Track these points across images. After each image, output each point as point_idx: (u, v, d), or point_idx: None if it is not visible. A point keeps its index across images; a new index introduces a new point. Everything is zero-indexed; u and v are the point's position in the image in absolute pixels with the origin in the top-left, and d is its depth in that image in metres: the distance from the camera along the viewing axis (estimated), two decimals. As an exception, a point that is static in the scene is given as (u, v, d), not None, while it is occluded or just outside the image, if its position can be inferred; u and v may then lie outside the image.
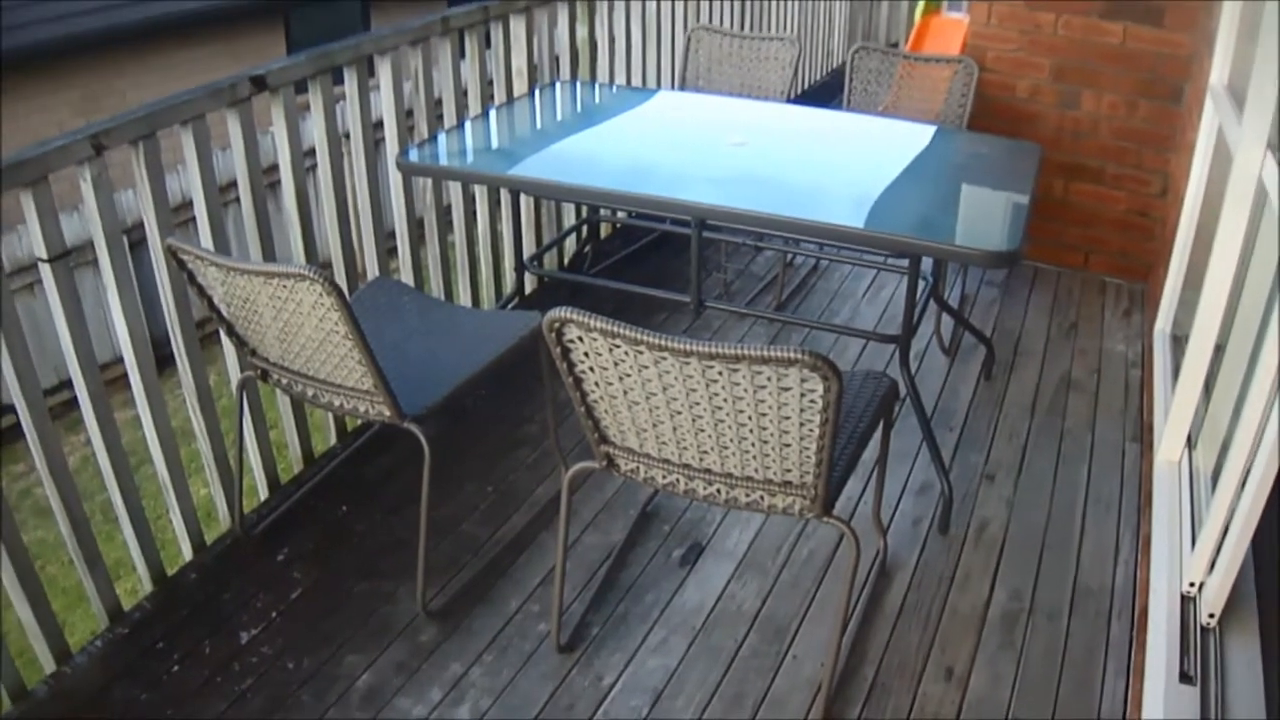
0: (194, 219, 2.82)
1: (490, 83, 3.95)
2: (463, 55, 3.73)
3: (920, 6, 6.70)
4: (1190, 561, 2.43)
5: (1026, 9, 4.39)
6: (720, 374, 2.04)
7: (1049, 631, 2.69)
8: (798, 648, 2.65)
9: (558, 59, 4.27)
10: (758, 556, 2.95)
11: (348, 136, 3.32)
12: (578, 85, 4.23)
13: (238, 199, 2.97)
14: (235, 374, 2.95)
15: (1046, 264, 4.69)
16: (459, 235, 3.92)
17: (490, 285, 4.10)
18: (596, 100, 4.11)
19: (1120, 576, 2.87)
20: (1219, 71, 3.41)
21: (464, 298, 3.97)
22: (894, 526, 3.07)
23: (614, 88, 4.46)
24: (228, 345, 2.85)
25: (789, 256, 4.57)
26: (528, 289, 4.18)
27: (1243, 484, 2.19)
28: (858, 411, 2.53)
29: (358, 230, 3.43)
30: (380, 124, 3.45)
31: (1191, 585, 2.38)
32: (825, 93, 6.56)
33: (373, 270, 3.47)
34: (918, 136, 3.67)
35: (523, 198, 4.09)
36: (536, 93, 4.04)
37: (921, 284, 3.62)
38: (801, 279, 4.58)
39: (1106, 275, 4.63)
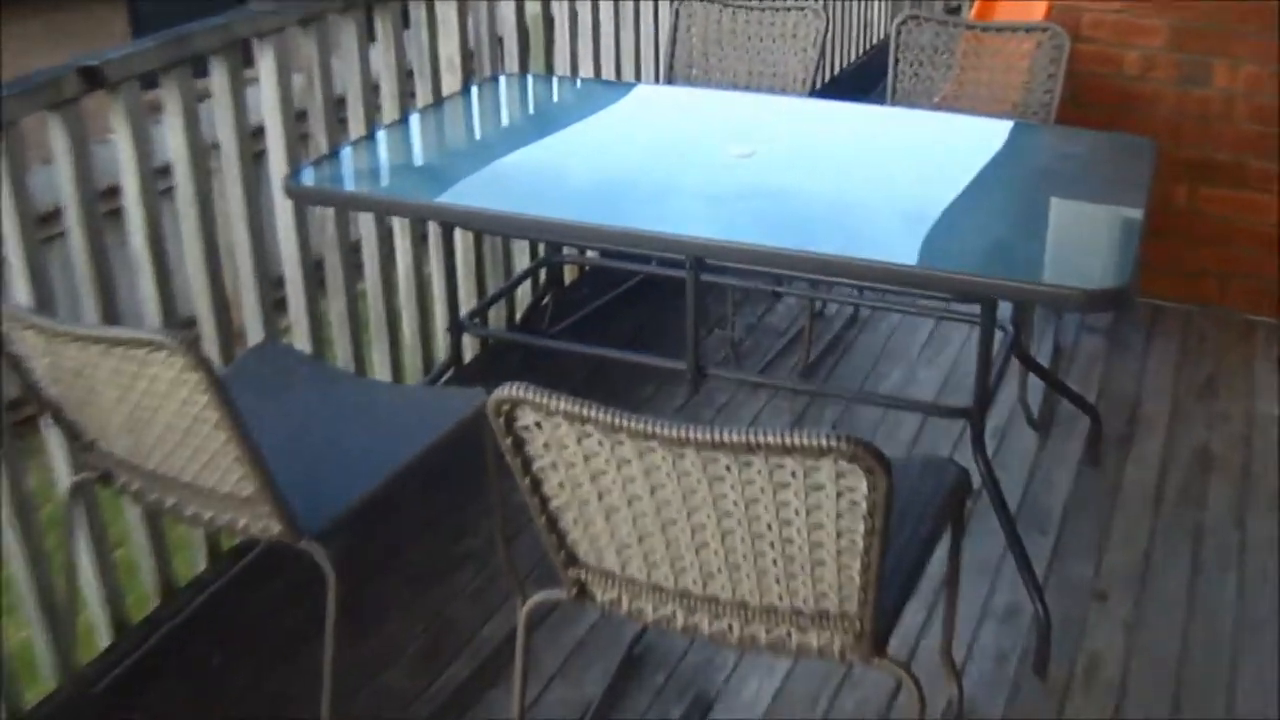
0: (4, 257, 2.81)
1: (411, 76, 4.00)
2: (373, 39, 3.78)
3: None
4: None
5: (1134, -47, 4.47)
6: (728, 469, 2.04)
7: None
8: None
9: (501, 43, 4.33)
10: (785, 713, 2.94)
11: (217, 147, 3.35)
12: (529, 80, 4.29)
13: (64, 233, 2.95)
14: (66, 475, 2.92)
15: (1168, 300, 4.72)
16: (372, 283, 3.93)
17: (416, 351, 4.14)
18: (555, 99, 4.17)
19: (1290, 725, 2.91)
20: None
21: (381, 368, 4.01)
22: (971, 667, 3.06)
23: (578, 82, 4.51)
24: (56, 436, 2.85)
25: (817, 305, 4.60)
26: (466, 355, 4.21)
27: None
28: (916, 513, 2.53)
29: (233, 277, 3.44)
30: (262, 132, 3.49)
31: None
32: (863, 79, 6.66)
33: (255, 332, 3.48)
34: (989, 136, 3.72)
35: (458, 233, 4.13)
36: (474, 90, 4.11)
37: (999, 336, 3.64)
38: (835, 334, 4.62)
39: (1252, 312, 4.64)
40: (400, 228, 4.02)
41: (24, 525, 2.89)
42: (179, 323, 3.21)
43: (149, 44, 3.05)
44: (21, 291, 2.84)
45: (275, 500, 2.51)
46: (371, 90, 3.79)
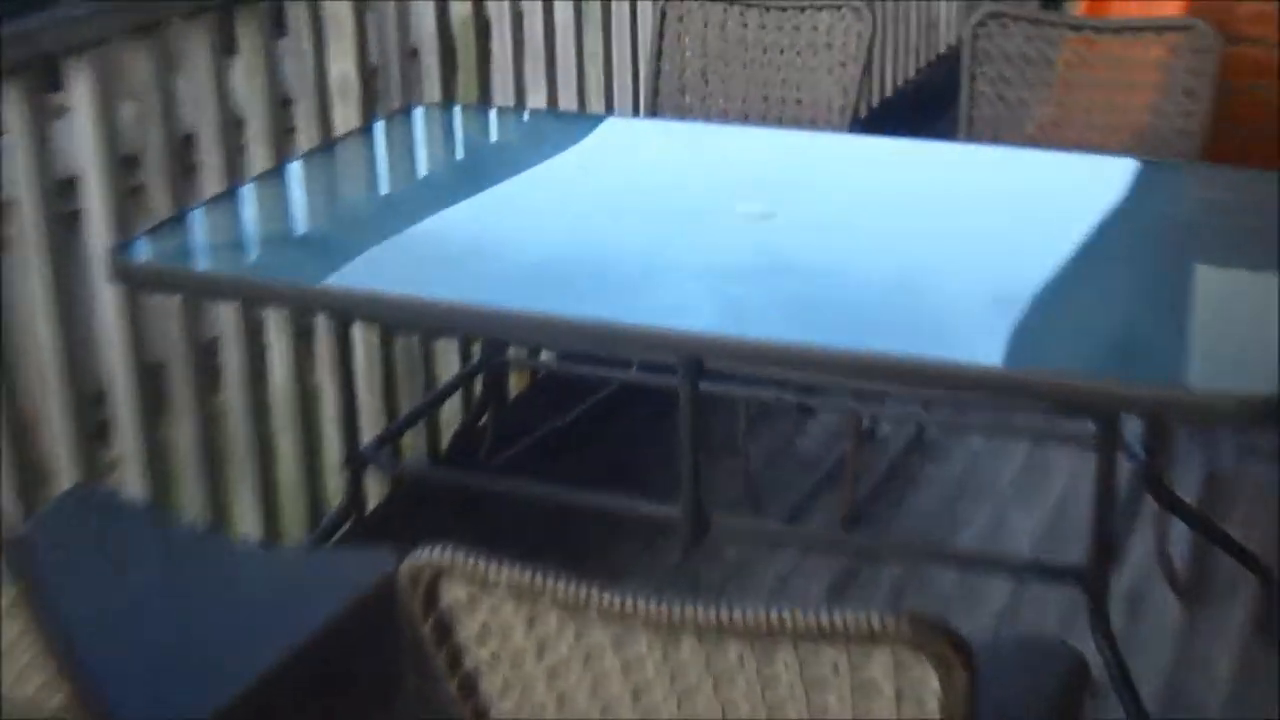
0: None
1: (289, 106, 4.05)
2: (233, 53, 3.81)
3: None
4: None
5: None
6: (742, 662, 2.04)
7: None
8: None
9: (417, 58, 4.37)
10: None
11: (9, 205, 3.38)
12: (456, 112, 4.34)
13: None
14: None
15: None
16: (236, 400, 3.96)
17: (299, 495, 4.20)
18: (493, 139, 4.21)
19: None
20: None
21: (248, 520, 4.04)
22: None
23: (525, 115, 4.56)
24: None
25: (866, 423, 4.66)
26: (371, 500, 4.28)
27: None
28: (1010, 716, 2.53)
29: (35, 388, 3.46)
30: (75, 184, 3.51)
31: None
32: (925, 104, 6.73)
33: (66, 468, 3.49)
34: (1103, 181, 3.79)
35: (359, 329, 4.26)
36: (379, 127, 4.21)
37: (1125, 465, 3.66)
38: (891, 464, 4.69)
39: None
40: (276, 321, 4.06)
41: None
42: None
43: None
44: None
45: (95, 714, 2.50)
46: (233, 126, 3.84)
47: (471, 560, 2.11)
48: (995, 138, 4.25)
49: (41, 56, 3.31)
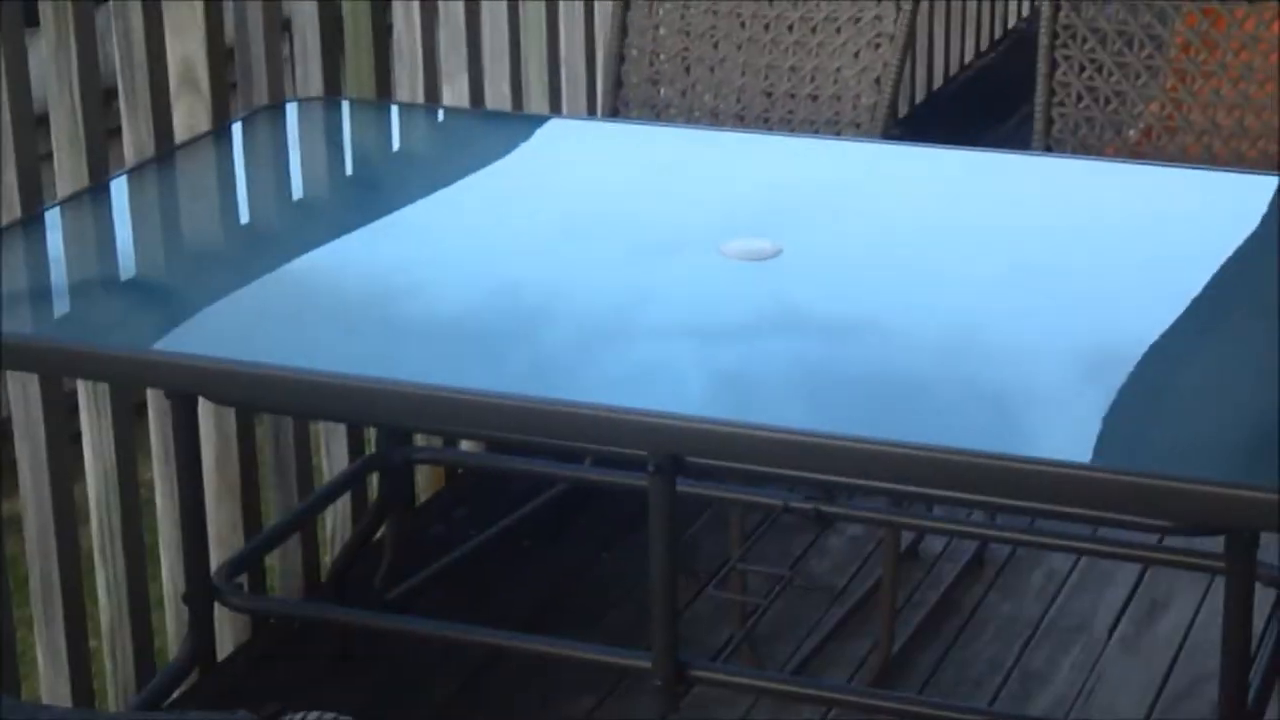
0: None
1: (113, 100, 4.01)
2: (31, 24, 3.74)
3: None
4: None
5: None
6: None
7: None
8: None
9: (290, 38, 4.31)
10: None
11: None
12: (343, 109, 4.27)
13: None
14: None
15: None
16: (32, 507, 3.91)
17: (123, 638, 4.09)
18: (395, 147, 4.14)
19: None
20: None
21: (52, 674, 3.98)
22: None
23: (439, 114, 4.50)
24: None
25: (907, 539, 4.65)
26: (225, 643, 4.22)
27: None
28: None
29: None
30: None
31: None
32: (988, 99, 6.73)
33: None
34: (1238, 206, 3.77)
35: (207, 410, 4.14)
36: (236, 130, 4.09)
37: (1269, 596, 3.59)
38: (943, 592, 4.66)
39: None
40: (90, 398, 3.99)
41: None
42: None
43: None
44: None
45: None
46: (30, 127, 3.78)
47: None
48: (1085, 145, 4.18)
49: None
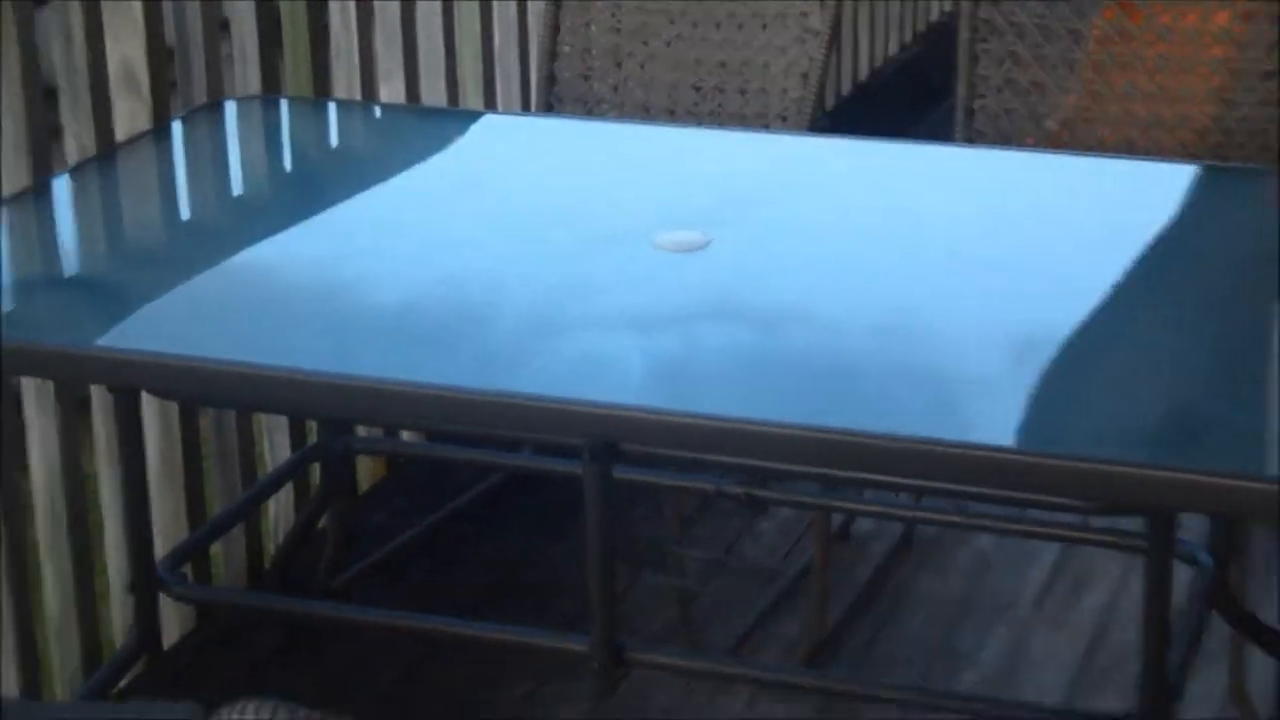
0: None
1: (55, 99, 4.01)
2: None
3: None
4: None
5: None
6: None
7: None
8: None
9: (228, 35, 4.31)
10: None
11: None
12: (281, 107, 4.27)
13: None
14: None
15: None
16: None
17: (69, 629, 4.11)
18: (333, 144, 4.14)
19: None
20: None
21: (3, 668, 3.92)
22: None
23: (376, 111, 4.50)
24: None
25: (837, 521, 4.67)
26: (169, 634, 4.21)
27: None
28: None
29: None
30: None
31: None
32: (911, 93, 6.74)
33: None
34: (1153, 196, 3.78)
35: (150, 405, 4.16)
36: (177, 129, 4.10)
37: (1186, 575, 3.62)
38: (873, 574, 4.68)
39: None
40: (35, 394, 3.99)
41: None
42: None
43: None
44: None
45: None
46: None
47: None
48: (1005, 137, 4.21)
49: None
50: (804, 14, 4.38)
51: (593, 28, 4.49)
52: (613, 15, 4.49)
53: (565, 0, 4.53)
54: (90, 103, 3.98)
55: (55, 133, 3.94)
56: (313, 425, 4.51)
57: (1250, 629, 3.87)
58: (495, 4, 5.11)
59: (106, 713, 3.04)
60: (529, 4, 5.14)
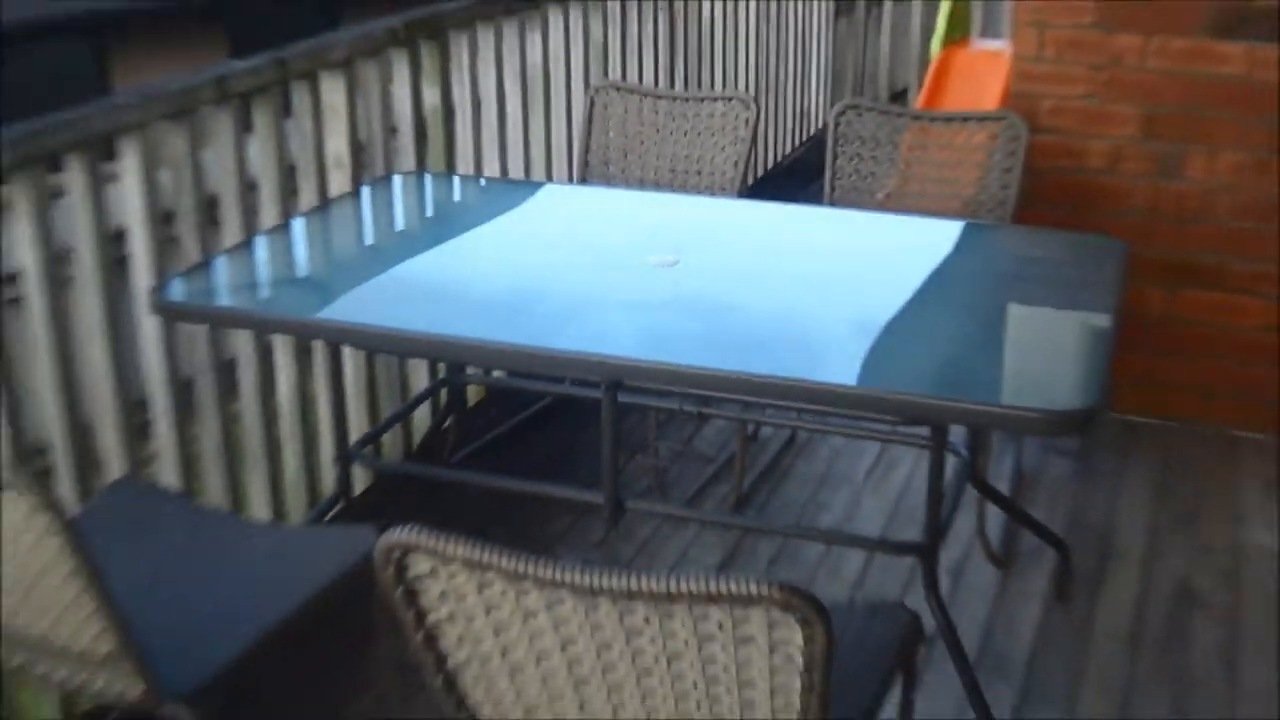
0: None
1: (293, 174, 4.03)
2: (249, 131, 3.81)
3: (937, 35, 6.88)
4: None
5: (1099, 33, 4.50)
6: (647, 621, 2.06)
7: None
8: None
9: (396, 135, 4.37)
10: None
11: (72, 253, 3.35)
12: (427, 179, 4.32)
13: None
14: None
15: (1145, 417, 4.75)
16: (249, 408, 3.93)
17: (300, 484, 4.14)
18: (456, 201, 4.22)
19: None
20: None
21: (259, 504, 4.00)
22: (928, 836, 3.10)
23: (481, 181, 4.55)
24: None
25: (750, 428, 4.62)
26: (357, 487, 4.17)
27: None
28: (861, 665, 2.55)
29: (91, 401, 3.42)
30: (124, 236, 3.50)
31: None
32: (799, 174, 6.76)
33: (115, 462, 3.46)
34: (938, 238, 3.78)
35: (348, 352, 4.17)
36: (366, 191, 4.16)
37: (952, 462, 3.69)
38: (771, 459, 4.69)
39: (1236, 428, 4.69)
40: (282, 345, 4.02)
41: None
42: (27, 452, 3.21)
43: (-7, 140, 3.09)
44: None
45: (136, 659, 2.49)
46: (248, 190, 3.82)
47: (432, 540, 2.12)
48: (852, 203, 4.24)
49: (98, 135, 3.30)
50: (735, 128, 4.40)
51: (610, 134, 4.52)
52: (621, 125, 4.50)
53: (594, 116, 4.56)
54: (315, 174, 4.02)
55: (294, 192, 3.97)
56: (441, 366, 4.54)
57: (987, 493, 3.92)
58: (553, 119, 5.13)
59: (318, 533, 3.09)
60: (573, 119, 5.15)
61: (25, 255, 3.19)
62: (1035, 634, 3.75)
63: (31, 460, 3.21)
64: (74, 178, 3.27)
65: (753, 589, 1.99)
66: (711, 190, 4.40)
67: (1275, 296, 4.54)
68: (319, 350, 4.00)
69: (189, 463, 3.68)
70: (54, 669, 2.61)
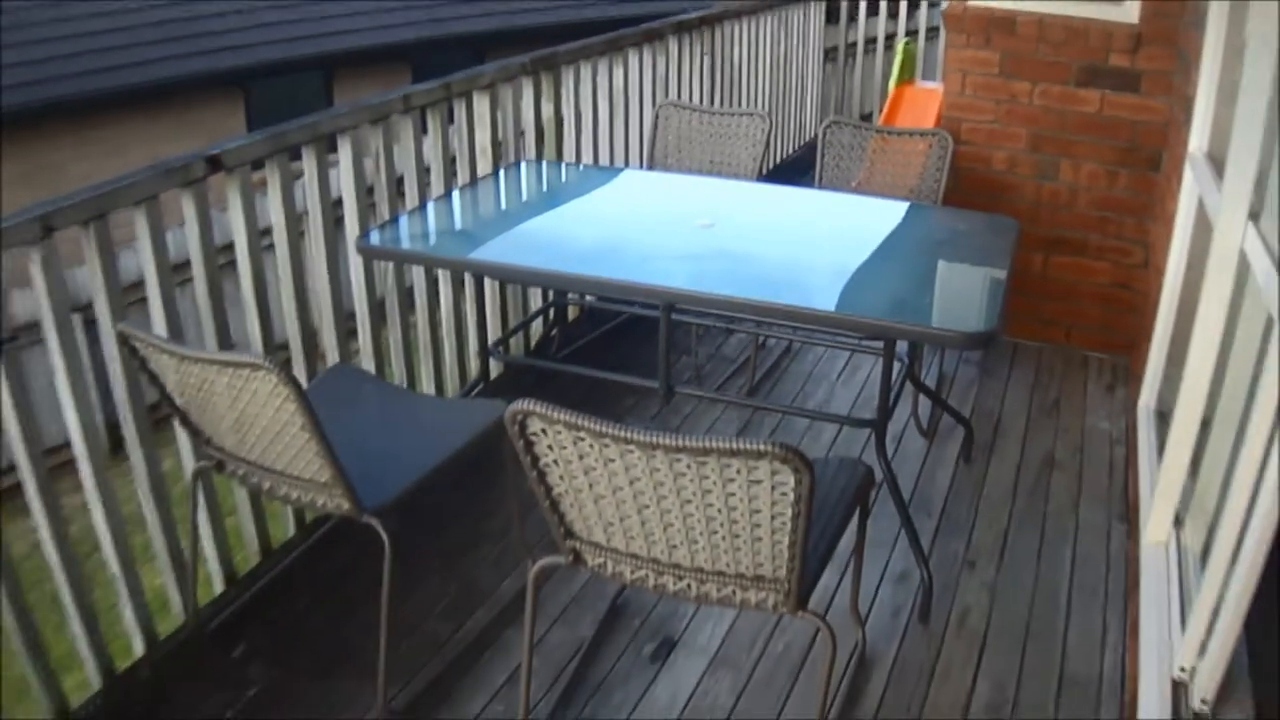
0: (147, 298, 2.83)
1: (453, 161, 3.98)
2: (425, 132, 3.77)
3: (893, 77, 6.82)
4: (1181, 646, 2.43)
5: (1002, 79, 4.46)
6: (688, 467, 2.06)
7: (1034, 727, 2.71)
8: (774, 747, 2.64)
9: (523, 135, 4.32)
10: (731, 652, 2.95)
11: (306, 214, 3.35)
12: (543, 164, 4.26)
13: (191, 280, 2.98)
14: (190, 460, 2.92)
15: (1026, 340, 4.74)
16: (421, 318, 3.91)
17: (454, 371, 4.09)
18: (563, 180, 4.14)
19: (1108, 664, 2.88)
20: (1198, 138, 3.43)
21: (427, 383, 3.97)
22: (873, 617, 3.07)
23: (580, 166, 4.50)
24: (181, 431, 2.84)
25: (761, 339, 4.57)
26: (493, 374, 4.15)
27: (1233, 563, 2.18)
28: (832, 501, 2.55)
29: (317, 312, 3.42)
30: (340, 201, 3.49)
31: (1183, 670, 2.37)
32: (797, 168, 6.65)
33: (332, 353, 3.46)
34: (892, 214, 3.70)
35: (487, 281, 4.09)
36: (501, 172, 4.07)
37: (897, 366, 3.65)
38: (774, 361, 4.62)
39: (1088, 350, 4.68)
40: (443, 276, 3.99)
41: (158, 499, 2.91)
42: (276, 348, 3.22)
43: (257, 137, 3.06)
44: (159, 322, 2.87)
45: (345, 485, 2.52)
46: (424, 172, 3.78)
47: (544, 410, 2.13)
48: (834, 187, 4.14)
49: (324, 135, 3.29)
50: (754, 134, 4.32)
51: (669, 136, 4.47)
52: (676, 131, 4.45)
53: (659, 124, 4.50)
54: (468, 161, 4.00)
55: (453, 173, 3.93)
56: (550, 292, 4.52)
57: (919, 387, 3.89)
58: (630, 124, 5.07)
59: (467, 403, 3.10)
60: (644, 124, 5.09)
61: (275, 215, 3.19)
62: (949, 485, 3.73)
63: (276, 350, 3.23)
64: (308, 163, 3.26)
65: (762, 447, 1.99)
66: (737, 176, 4.31)
67: (1118, 262, 4.53)
68: (468, 280, 3.97)
69: (380, 354, 3.65)
70: (290, 491, 2.64)
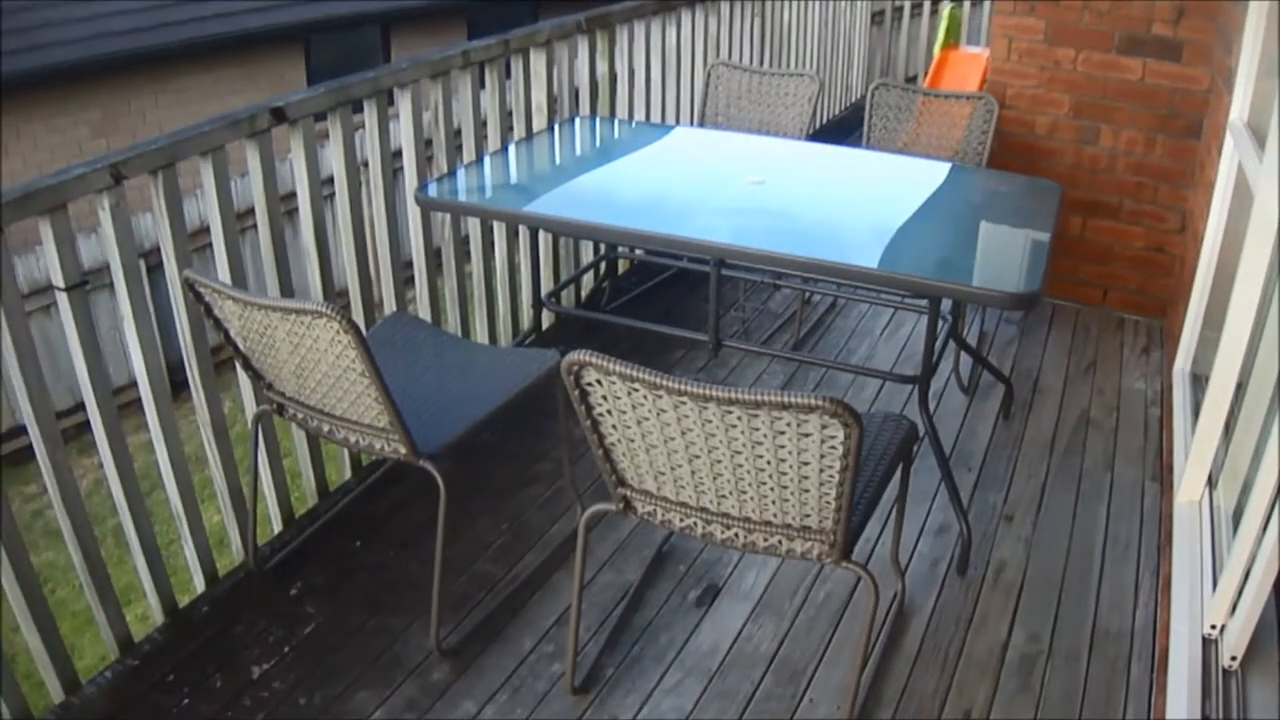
0: (211, 245, 2.84)
1: (510, 115, 3.95)
2: (483, 87, 3.72)
3: (939, 40, 6.69)
4: (1211, 603, 2.40)
5: (1046, 46, 4.39)
6: (739, 419, 2.02)
7: (1067, 675, 2.66)
8: (814, 691, 2.61)
9: (578, 92, 4.26)
10: (774, 598, 2.92)
11: (366, 165, 3.33)
12: (597, 120, 4.22)
13: (255, 226, 2.98)
14: (251, 402, 2.93)
15: (1064, 300, 4.67)
16: (476, 269, 3.89)
17: (507, 320, 4.07)
18: (615, 136, 4.10)
19: (1140, 618, 2.84)
20: (1239, 108, 3.38)
21: (481, 333, 3.95)
22: (912, 568, 3.04)
23: (633, 123, 4.45)
24: (243, 374, 2.84)
25: (807, 294, 4.53)
26: (545, 325, 4.13)
27: (1265, 525, 2.15)
28: (877, 454, 2.51)
29: (375, 261, 3.40)
30: (399, 153, 3.45)
31: (1213, 628, 2.35)
32: (844, 128, 6.57)
33: (390, 301, 3.45)
34: (936, 174, 3.64)
35: (541, 234, 4.06)
36: (556, 127, 4.03)
37: (940, 323, 3.59)
38: (819, 317, 4.56)
39: (1124, 312, 4.61)
40: (498, 228, 3.96)
41: (220, 441, 2.92)
42: (335, 295, 3.21)
43: (320, 90, 3.04)
44: (223, 269, 2.87)
45: (402, 429, 2.50)
46: (481, 126, 3.73)
47: (600, 360, 2.09)
48: (880, 147, 4.09)
49: (385, 89, 3.26)
50: (803, 95, 4.26)
51: (720, 95, 4.40)
52: (727, 90, 4.38)
53: (710, 83, 4.43)
54: (524, 116, 3.96)
55: (510, 128, 3.92)
56: (602, 245, 4.48)
57: (962, 345, 3.83)
58: (682, 83, 5.01)
59: (521, 352, 3.08)
60: (695, 83, 5.03)
61: (337, 166, 3.17)
62: (988, 440, 3.67)
63: (336, 298, 3.22)
64: (369, 116, 3.23)
65: (813, 401, 1.95)
66: (786, 135, 4.24)
67: (1153, 227, 4.47)
68: (523, 232, 3.94)
69: (436, 303, 3.63)
70: (349, 434, 2.63)
